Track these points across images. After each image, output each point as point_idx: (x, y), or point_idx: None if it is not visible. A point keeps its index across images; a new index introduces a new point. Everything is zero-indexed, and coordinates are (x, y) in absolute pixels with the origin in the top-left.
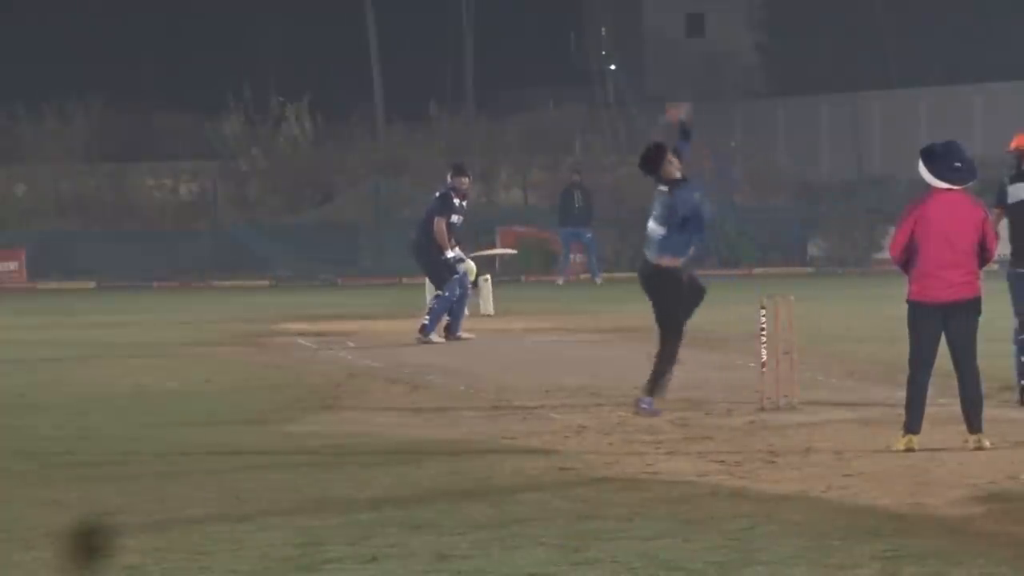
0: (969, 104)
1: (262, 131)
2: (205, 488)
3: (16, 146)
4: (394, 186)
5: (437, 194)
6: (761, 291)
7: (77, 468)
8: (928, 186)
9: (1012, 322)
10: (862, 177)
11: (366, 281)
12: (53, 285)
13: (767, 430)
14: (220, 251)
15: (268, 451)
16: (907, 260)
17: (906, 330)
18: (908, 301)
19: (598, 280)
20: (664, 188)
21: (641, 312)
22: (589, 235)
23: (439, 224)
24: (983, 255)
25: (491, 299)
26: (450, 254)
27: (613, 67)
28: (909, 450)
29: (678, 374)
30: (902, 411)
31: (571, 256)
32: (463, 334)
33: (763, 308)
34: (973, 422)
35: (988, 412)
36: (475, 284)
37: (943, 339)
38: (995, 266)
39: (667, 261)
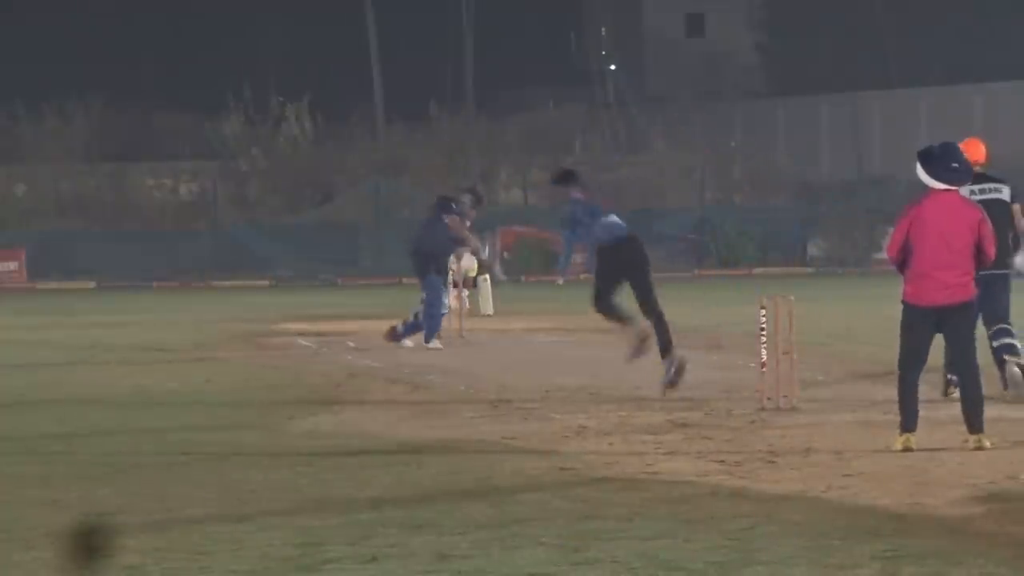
0: (969, 104)
1: (262, 131)
2: (205, 488)
3: (16, 146)
4: (394, 186)
5: (445, 218)
6: (761, 291)
7: (77, 468)
8: (926, 187)
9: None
10: (862, 177)
11: (366, 281)
12: (53, 285)
13: (767, 430)
14: (220, 251)
15: (268, 451)
16: (903, 260)
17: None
18: (903, 302)
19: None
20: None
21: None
22: None
23: (454, 222)
24: (980, 257)
25: (491, 299)
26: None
27: (613, 67)
28: (907, 449)
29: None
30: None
31: (572, 256)
32: (408, 343)
33: (763, 308)
34: (973, 422)
35: (988, 412)
36: (475, 283)
37: (941, 339)
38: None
39: None
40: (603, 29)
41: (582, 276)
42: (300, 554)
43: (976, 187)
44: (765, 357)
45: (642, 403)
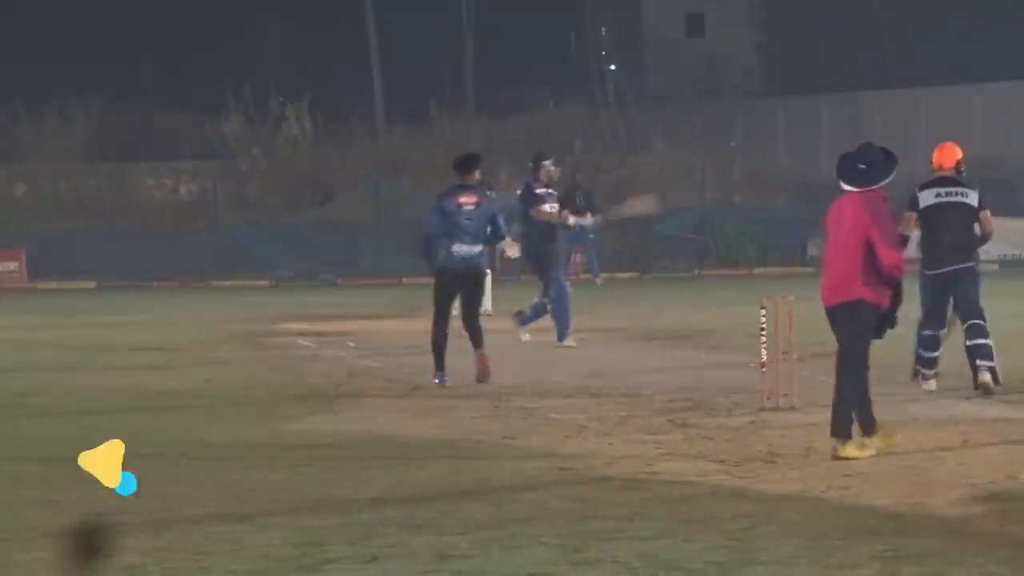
0: (969, 104)
1: (262, 131)
2: (205, 488)
3: (16, 146)
4: (394, 186)
5: (518, 192)
6: (761, 291)
7: (77, 468)
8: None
9: (918, 314)
10: None
11: (366, 281)
12: (53, 285)
13: (767, 430)
14: (220, 251)
15: (268, 451)
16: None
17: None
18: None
19: (598, 281)
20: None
21: (641, 312)
22: (591, 236)
23: (535, 210)
24: (876, 262)
25: (490, 296)
26: (571, 220)
27: (613, 67)
28: (880, 452)
29: (678, 374)
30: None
31: (572, 256)
32: (525, 336)
33: (763, 308)
34: (863, 424)
35: (988, 411)
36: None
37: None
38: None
39: None
40: (603, 29)
41: (582, 276)
42: (300, 554)
43: (942, 189)
44: (765, 357)
45: (642, 403)
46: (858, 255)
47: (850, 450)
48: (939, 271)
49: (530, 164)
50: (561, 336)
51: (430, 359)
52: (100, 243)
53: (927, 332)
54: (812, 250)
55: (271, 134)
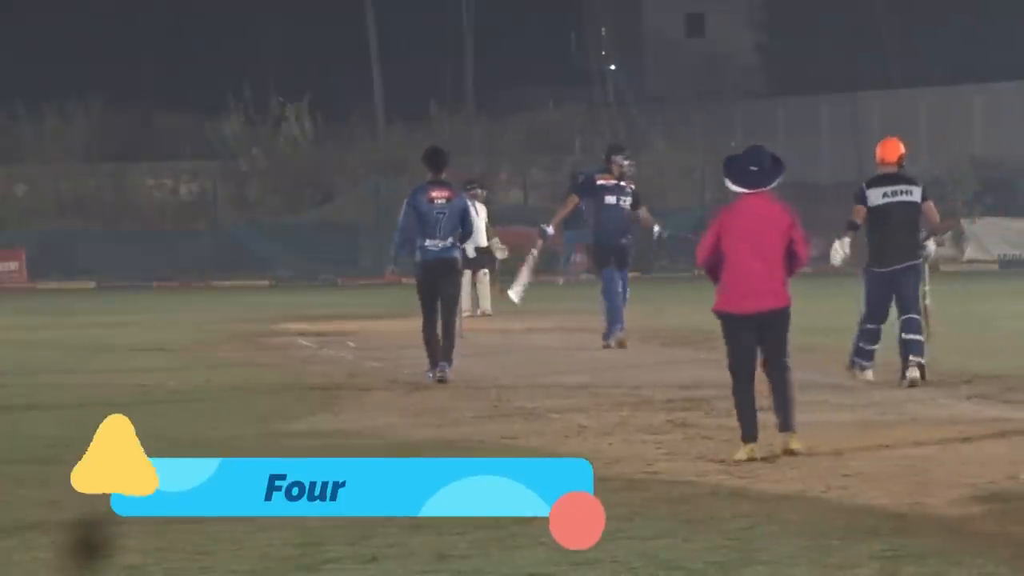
0: (969, 104)
1: (262, 131)
2: None
3: (16, 146)
4: (394, 186)
5: (579, 180)
6: None
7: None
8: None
9: (860, 309)
10: (862, 177)
11: (366, 281)
12: (53, 285)
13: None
14: (220, 251)
15: (268, 451)
16: (714, 267)
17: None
18: (716, 312)
19: (566, 279)
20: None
21: (641, 312)
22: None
23: (569, 201)
24: (793, 261)
25: (489, 296)
26: (550, 230)
27: (613, 67)
28: (752, 459)
29: (678, 373)
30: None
31: (572, 257)
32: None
33: None
34: (784, 420)
35: (988, 411)
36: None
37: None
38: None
39: None
40: (603, 29)
41: (583, 276)
42: (300, 554)
43: (888, 188)
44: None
45: (642, 403)
46: (781, 257)
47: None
48: (888, 269)
49: (603, 156)
50: (608, 335)
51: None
52: (100, 243)
53: (870, 326)
54: (812, 250)
55: (271, 134)
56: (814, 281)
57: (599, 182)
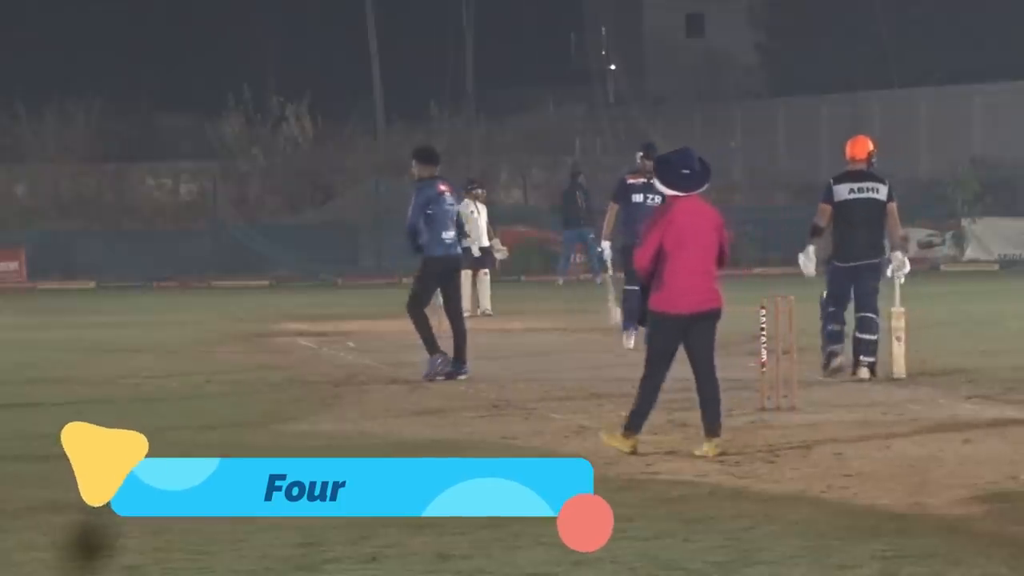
0: (969, 104)
1: (262, 131)
2: None
3: (16, 146)
4: (394, 186)
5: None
6: (761, 291)
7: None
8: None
9: (823, 300)
10: None
11: (366, 281)
12: (53, 285)
13: (767, 430)
14: (220, 251)
15: (268, 451)
16: (654, 270)
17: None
18: (652, 311)
19: (599, 280)
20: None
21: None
22: (591, 235)
23: (609, 211)
24: (721, 261)
25: (489, 296)
26: (607, 251)
27: (613, 67)
28: (634, 452)
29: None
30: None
31: (572, 256)
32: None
33: (763, 308)
34: (711, 425)
35: (989, 411)
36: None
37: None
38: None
39: None
40: (603, 29)
41: (583, 276)
42: (300, 554)
43: (855, 185)
44: (765, 357)
45: None
46: (716, 257)
47: (615, 440)
48: (849, 264)
49: (639, 153)
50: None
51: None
52: (100, 243)
53: (832, 309)
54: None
55: (271, 134)
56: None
57: (628, 181)
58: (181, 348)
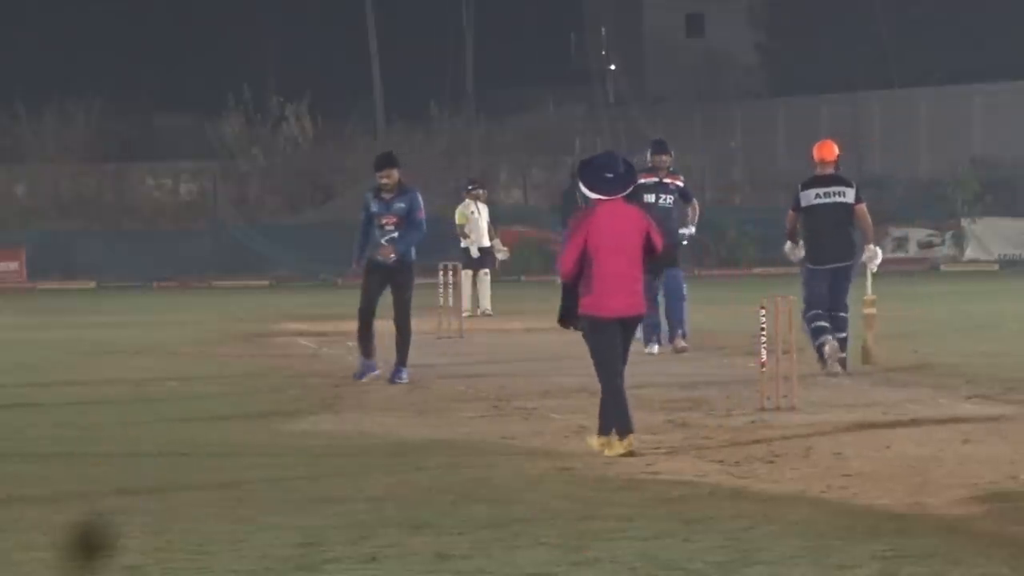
0: (969, 104)
1: (262, 131)
2: (205, 488)
3: (16, 146)
4: None
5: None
6: (761, 291)
7: (77, 468)
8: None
9: (802, 307)
10: (862, 177)
11: None
12: (53, 285)
13: (767, 430)
14: (220, 251)
15: (268, 451)
16: (578, 274)
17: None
18: (583, 315)
19: None
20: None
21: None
22: None
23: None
24: (652, 253)
25: (489, 296)
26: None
27: (613, 67)
28: (630, 454)
29: (678, 374)
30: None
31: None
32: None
33: (763, 308)
34: (625, 423)
35: (988, 411)
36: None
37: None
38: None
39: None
40: (603, 29)
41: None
42: (300, 554)
43: (822, 190)
44: (765, 357)
45: (642, 403)
46: (642, 258)
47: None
48: (822, 267)
49: (648, 151)
50: (647, 340)
51: (430, 358)
52: (100, 243)
53: (813, 312)
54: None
55: (271, 134)
56: None
57: (640, 180)
58: (181, 348)
